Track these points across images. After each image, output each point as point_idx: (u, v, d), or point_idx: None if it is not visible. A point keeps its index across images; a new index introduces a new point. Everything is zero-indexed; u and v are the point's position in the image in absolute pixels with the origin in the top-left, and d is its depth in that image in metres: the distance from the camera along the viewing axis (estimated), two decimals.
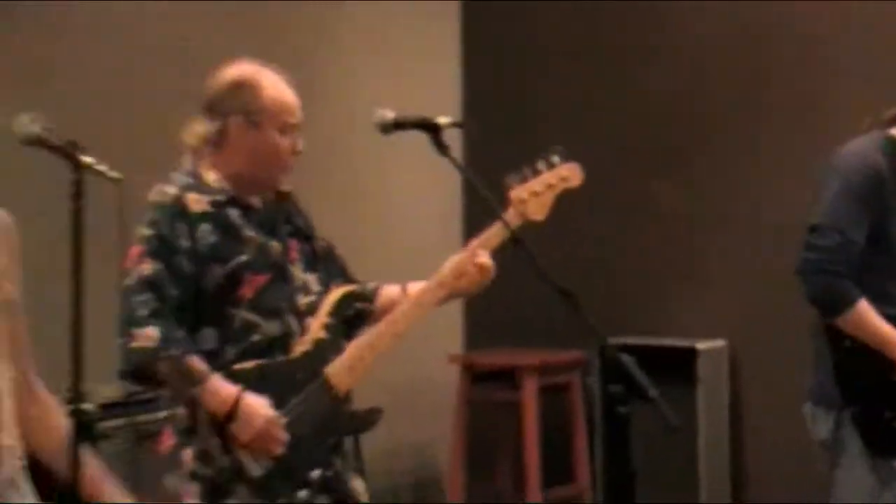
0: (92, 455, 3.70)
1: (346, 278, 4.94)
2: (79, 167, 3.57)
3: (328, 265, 4.88)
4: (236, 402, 4.44)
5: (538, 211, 4.68)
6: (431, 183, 8.25)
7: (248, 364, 4.55)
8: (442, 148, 4.45)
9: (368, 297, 4.87)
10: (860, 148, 5.10)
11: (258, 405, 4.46)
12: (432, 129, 4.49)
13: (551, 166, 4.75)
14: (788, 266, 5.73)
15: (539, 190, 4.69)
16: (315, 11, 9.20)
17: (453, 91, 9.74)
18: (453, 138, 4.85)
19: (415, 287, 4.81)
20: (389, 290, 4.89)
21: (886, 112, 5.25)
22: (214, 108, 4.67)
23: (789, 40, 8.54)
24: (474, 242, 4.74)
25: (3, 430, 3.59)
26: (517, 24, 9.37)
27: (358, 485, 4.77)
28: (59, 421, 3.77)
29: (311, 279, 4.71)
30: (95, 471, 3.76)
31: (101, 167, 3.63)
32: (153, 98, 7.80)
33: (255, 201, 4.69)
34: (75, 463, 3.47)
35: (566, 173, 4.76)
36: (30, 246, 4.44)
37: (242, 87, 4.67)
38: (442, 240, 7.24)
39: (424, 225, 8.43)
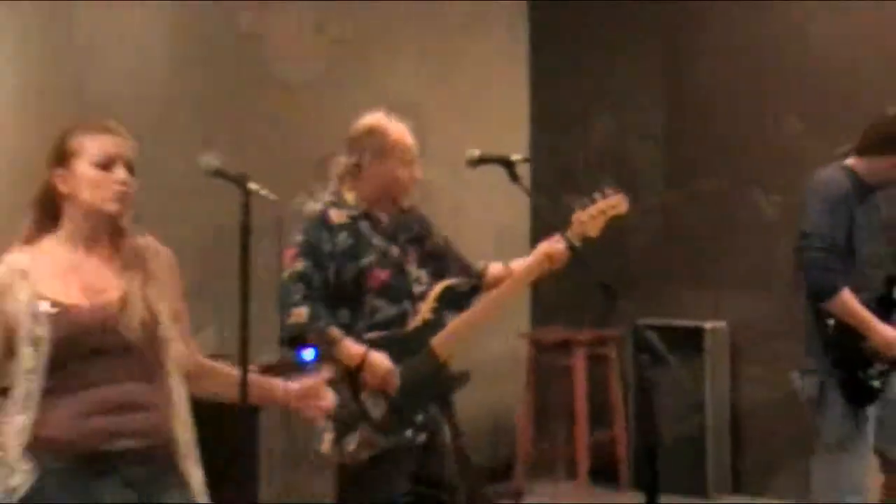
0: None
1: (462, 264, 5.02)
2: (247, 192, 3.63)
3: (445, 258, 4.96)
4: (364, 357, 4.55)
5: (594, 230, 4.80)
6: (504, 206, 8.01)
7: (374, 335, 4.67)
8: (515, 178, 4.55)
9: (478, 274, 4.98)
10: (831, 175, 5.21)
11: (380, 358, 4.62)
12: (507, 164, 4.57)
13: (605, 196, 4.82)
14: (775, 263, 5.72)
15: (595, 214, 4.79)
16: (419, 75, 8.57)
17: (523, 129, 9.25)
18: (523, 168, 4.87)
19: (517, 263, 4.93)
20: (495, 267, 5.00)
21: (839, 149, 5.39)
22: (353, 146, 4.83)
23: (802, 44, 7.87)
24: (544, 246, 4.85)
25: (182, 424, 3.63)
26: (578, 66, 8.85)
27: (444, 427, 4.81)
28: (224, 370, 3.83)
29: (423, 274, 4.81)
30: (260, 380, 3.83)
31: (263, 192, 3.68)
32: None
33: (383, 216, 4.82)
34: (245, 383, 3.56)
35: (616, 202, 4.87)
36: (208, 249, 4.47)
37: (374, 132, 4.80)
38: (511, 254, 7.21)
39: (497, 240, 8.09)
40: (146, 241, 3.71)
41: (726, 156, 8.08)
